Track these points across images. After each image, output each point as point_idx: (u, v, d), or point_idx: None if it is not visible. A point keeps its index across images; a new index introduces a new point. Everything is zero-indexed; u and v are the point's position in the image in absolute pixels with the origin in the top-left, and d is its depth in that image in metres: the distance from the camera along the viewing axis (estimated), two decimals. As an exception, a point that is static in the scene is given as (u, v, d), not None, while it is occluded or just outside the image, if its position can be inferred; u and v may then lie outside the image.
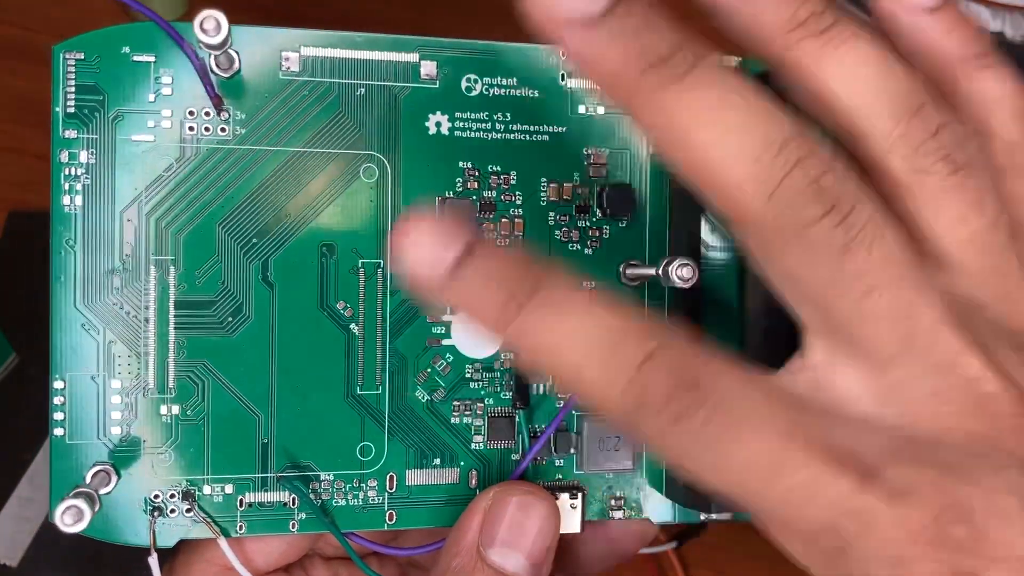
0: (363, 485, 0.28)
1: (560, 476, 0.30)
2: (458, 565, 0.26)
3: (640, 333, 0.18)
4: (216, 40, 0.23)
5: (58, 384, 0.26)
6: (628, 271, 0.29)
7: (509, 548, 0.26)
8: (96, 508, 0.24)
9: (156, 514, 0.27)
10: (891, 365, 0.19)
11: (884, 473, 0.17)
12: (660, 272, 0.27)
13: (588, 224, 0.30)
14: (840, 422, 0.19)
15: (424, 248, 0.17)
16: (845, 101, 0.19)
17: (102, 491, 0.26)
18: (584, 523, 0.29)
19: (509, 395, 0.29)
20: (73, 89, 0.26)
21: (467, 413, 0.29)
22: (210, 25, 0.22)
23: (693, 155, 0.18)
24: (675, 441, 0.18)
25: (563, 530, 0.29)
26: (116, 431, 0.27)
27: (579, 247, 0.29)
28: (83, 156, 0.26)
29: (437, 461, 0.29)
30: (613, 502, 0.30)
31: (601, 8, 0.17)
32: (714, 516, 0.30)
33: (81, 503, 0.23)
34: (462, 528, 0.27)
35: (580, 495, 0.29)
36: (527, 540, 0.26)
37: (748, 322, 0.30)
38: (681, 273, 0.26)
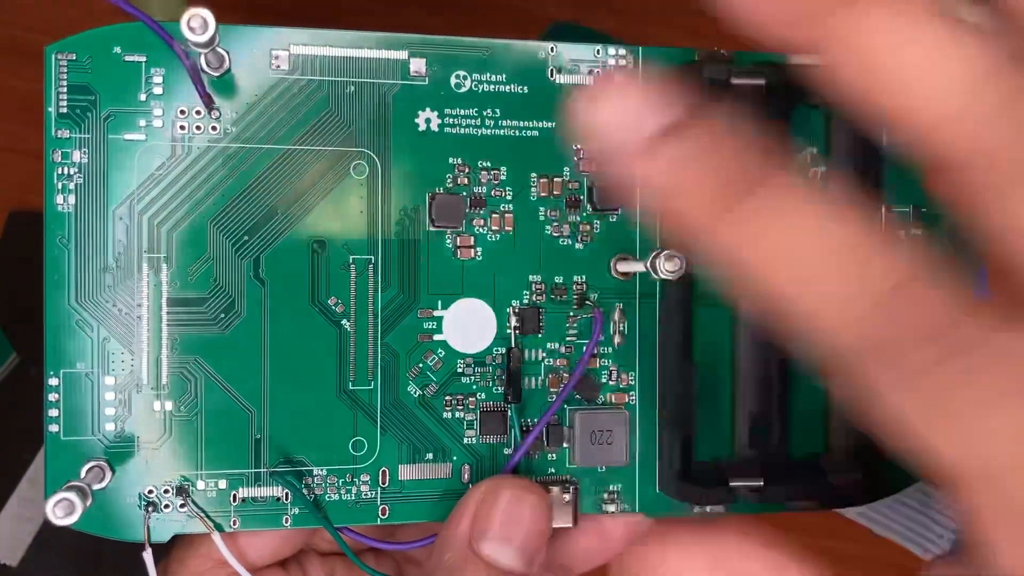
0: (356, 480, 0.28)
1: (553, 470, 0.30)
2: (450, 559, 0.26)
3: (894, 255, 0.14)
4: (203, 38, 0.23)
5: (52, 381, 0.27)
6: (619, 266, 0.30)
7: (502, 541, 0.26)
8: (88, 502, 0.24)
9: (150, 509, 0.27)
10: None
11: None
12: (648, 265, 0.27)
13: (579, 219, 0.30)
14: None
15: (623, 108, 0.14)
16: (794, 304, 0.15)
17: (96, 486, 0.26)
18: (577, 517, 0.29)
19: (501, 389, 0.29)
20: (65, 89, 0.27)
21: (459, 408, 0.29)
22: (197, 23, 0.23)
23: (784, 298, 0.15)
24: (912, 398, 0.14)
25: (555, 524, 0.29)
26: (110, 427, 0.27)
27: (570, 242, 0.30)
28: (76, 156, 0.27)
29: (429, 456, 0.29)
30: (606, 496, 0.30)
31: (671, 122, 0.15)
32: (708, 509, 0.30)
33: (73, 496, 0.23)
34: (454, 522, 0.27)
35: (573, 489, 0.29)
36: (520, 533, 0.26)
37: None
38: (667, 266, 0.26)
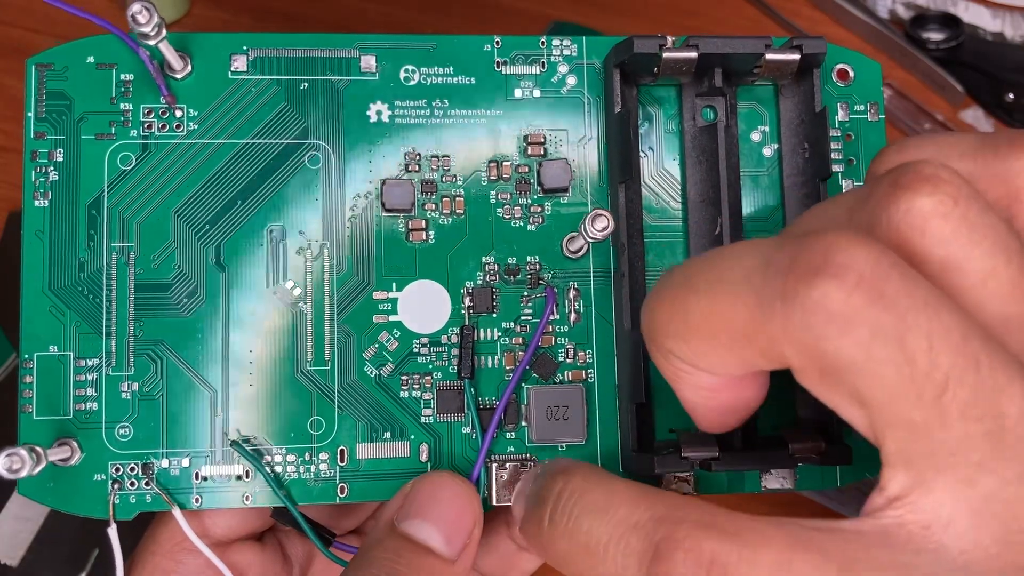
0: (314, 459, 0.29)
1: (512, 449, 0.30)
2: (373, 536, 0.26)
3: (649, 523, 0.19)
4: (148, 28, 0.26)
5: (28, 364, 0.28)
6: (569, 244, 0.30)
7: (420, 519, 0.26)
8: (41, 465, 0.26)
9: (116, 486, 0.28)
10: (981, 472, 0.16)
11: None
12: (582, 231, 0.27)
13: (529, 201, 0.30)
14: None
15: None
16: None
17: (58, 459, 0.27)
18: (537, 495, 0.29)
19: (456, 368, 0.30)
20: (44, 96, 0.29)
21: (416, 387, 0.30)
22: (136, 8, 0.25)
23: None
24: None
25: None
26: (79, 407, 0.28)
27: (522, 224, 0.30)
28: (52, 155, 0.29)
29: (387, 435, 0.29)
30: (568, 476, 0.30)
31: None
32: (673, 488, 0.29)
33: (23, 452, 0.24)
34: (385, 507, 0.27)
35: (531, 467, 0.29)
36: (437, 511, 0.26)
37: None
38: (596, 224, 0.26)
